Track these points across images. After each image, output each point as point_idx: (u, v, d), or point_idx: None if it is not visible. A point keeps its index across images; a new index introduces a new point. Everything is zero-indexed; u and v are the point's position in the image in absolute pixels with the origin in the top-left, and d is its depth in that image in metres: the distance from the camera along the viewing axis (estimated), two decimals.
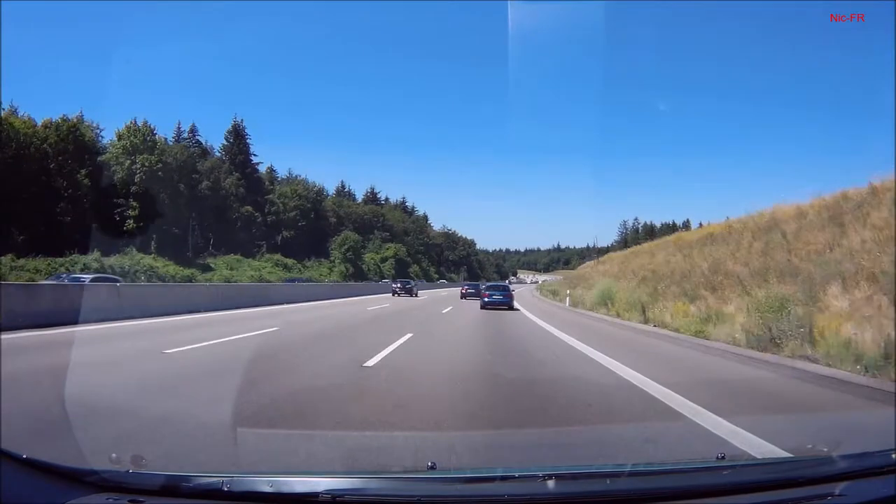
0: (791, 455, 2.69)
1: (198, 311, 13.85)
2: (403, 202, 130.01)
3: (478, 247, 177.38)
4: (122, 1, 71.78)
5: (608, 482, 1.84)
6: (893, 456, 1.96)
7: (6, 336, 7.58)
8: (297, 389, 5.05)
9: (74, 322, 9.33)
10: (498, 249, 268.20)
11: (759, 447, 3.29)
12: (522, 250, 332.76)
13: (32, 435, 3.38)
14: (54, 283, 17.63)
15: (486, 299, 24.76)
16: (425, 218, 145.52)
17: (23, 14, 56.84)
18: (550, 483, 1.76)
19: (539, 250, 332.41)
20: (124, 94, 77.99)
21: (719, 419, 4.07)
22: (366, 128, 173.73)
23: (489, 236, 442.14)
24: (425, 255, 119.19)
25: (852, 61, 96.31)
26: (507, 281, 79.90)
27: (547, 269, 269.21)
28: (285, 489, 1.63)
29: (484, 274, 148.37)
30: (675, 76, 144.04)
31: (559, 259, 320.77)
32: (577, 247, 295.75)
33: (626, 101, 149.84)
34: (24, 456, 1.60)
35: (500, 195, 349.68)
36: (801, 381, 6.27)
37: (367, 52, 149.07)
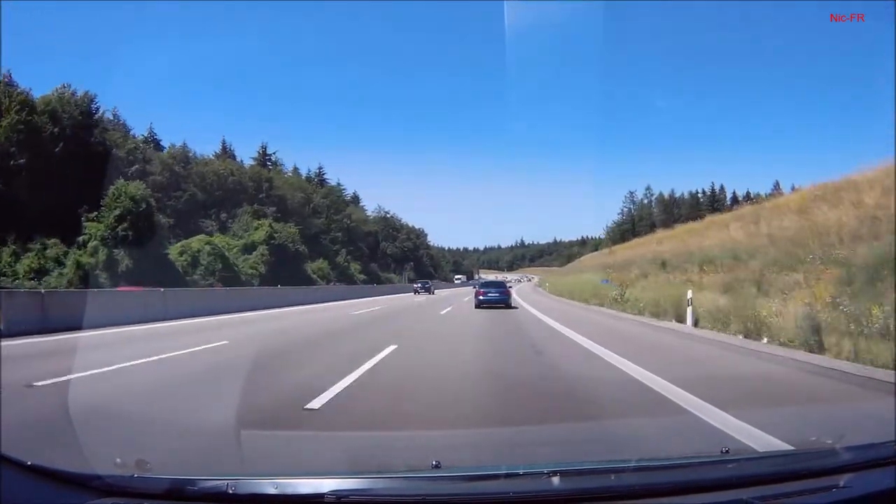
0: (795, 448, 2.88)
1: None
2: (320, 173, 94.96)
3: (430, 241, 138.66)
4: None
5: (613, 477, 1.89)
6: (895, 447, 1.99)
7: None
8: None
9: None
10: (456, 248, 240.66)
11: None
12: (482, 248, 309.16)
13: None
14: None
15: (480, 297, 23.16)
16: (355, 199, 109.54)
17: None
18: (555, 479, 1.77)
19: (500, 248, 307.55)
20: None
21: None
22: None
23: (447, 235, 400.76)
24: (347, 246, 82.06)
25: (851, 56, 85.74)
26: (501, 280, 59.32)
27: (511, 268, 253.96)
28: (290, 490, 1.66)
29: (439, 273, 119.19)
30: (673, 67, 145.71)
31: (523, 256, 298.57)
32: (541, 242, 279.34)
33: (622, 87, 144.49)
34: (29, 462, 1.69)
35: (461, 192, 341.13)
36: None
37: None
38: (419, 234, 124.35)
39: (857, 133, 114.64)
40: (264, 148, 76.73)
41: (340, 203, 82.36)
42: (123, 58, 75.46)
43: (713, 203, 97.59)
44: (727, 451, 2.17)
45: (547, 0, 35.67)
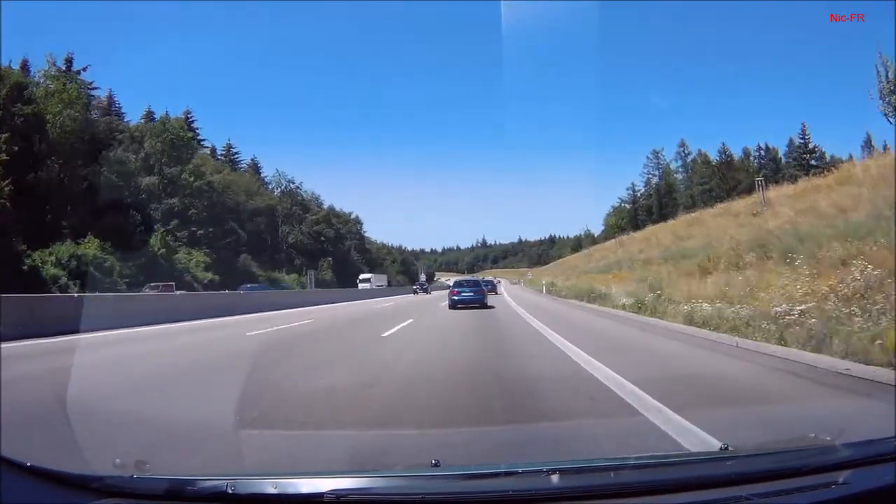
0: (794, 445, 2.79)
1: None
2: (188, 117, 64.51)
3: (369, 234, 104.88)
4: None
5: (612, 475, 1.92)
6: (895, 443, 2.04)
7: None
8: None
9: None
10: (412, 249, 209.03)
11: None
12: (440, 250, 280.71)
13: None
14: None
15: (455, 297, 21.01)
16: (255, 167, 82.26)
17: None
18: (554, 478, 1.78)
19: (459, 249, 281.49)
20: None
21: None
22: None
23: (403, 237, 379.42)
24: (205, 225, 53.65)
25: (851, 55, 79.66)
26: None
27: (471, 269, 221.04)
28: (290, 490, 1.69)
29: (378, 273, 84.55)
30: (670, 66, 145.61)
31: (485, 256, 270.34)
32: (504, 242, 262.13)
33: (615, 84, 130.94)
34: (29, 464, 1.71)
35: (420, 192, 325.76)
36: None
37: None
38: (348, 221, 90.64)
39: (856, 133, 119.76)
40: (70, 60, 41.84)
41: (184, 149, 47.62)
42: None
43: (800, 159, 67.19)
44: (726, 448, 2.29)
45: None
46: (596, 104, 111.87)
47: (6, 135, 35.13)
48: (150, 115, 67.04)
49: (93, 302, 14.99)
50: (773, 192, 34.37)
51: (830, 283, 9.93)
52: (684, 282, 17.87)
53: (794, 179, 41.66)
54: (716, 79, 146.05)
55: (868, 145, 62.86)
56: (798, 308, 9.04)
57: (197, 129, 75.54)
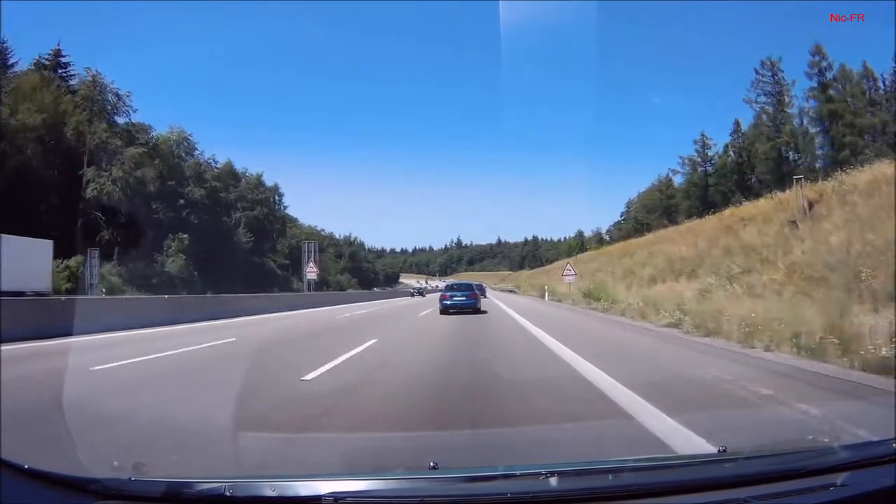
0: (793, 446, 2.86)
1: None
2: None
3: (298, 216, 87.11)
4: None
5: (611, 477, 1.99)
6: (894, 445, 2.09)
7: None
8: None
9: None
10: (381, 248, 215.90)
11: None
12: (410, 250, 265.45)
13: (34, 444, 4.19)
14: None
15: (446, 302, 20.27)
16: (91, 85, 46.31)
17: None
18: (553, 480, 1.84)
19: (431, 250, 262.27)
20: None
21: None
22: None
23: (376, 238, 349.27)
24: None
25: (850, 56, 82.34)
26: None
27: (444, 272, 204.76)
28: (288, 493, 1.75)
29: (299, 273, 62.98)
30: (668, 65, 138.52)
31: (460, 258, 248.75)
32: (481, 244, 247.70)
33: (611, 84, 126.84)
34: (26, 466, 1.77)
35: (393, 189, 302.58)
36: None
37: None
38: (253, 183, 58.15)
39: None
40: None
41: None
42: None
43: None
44: (724, 450, 2.32)
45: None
46: (592, 105, 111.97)
47: None
48: None
49: None
50: None
51: None
52: None
53: None
54: (715, 79, 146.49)
55: None
56: None
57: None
